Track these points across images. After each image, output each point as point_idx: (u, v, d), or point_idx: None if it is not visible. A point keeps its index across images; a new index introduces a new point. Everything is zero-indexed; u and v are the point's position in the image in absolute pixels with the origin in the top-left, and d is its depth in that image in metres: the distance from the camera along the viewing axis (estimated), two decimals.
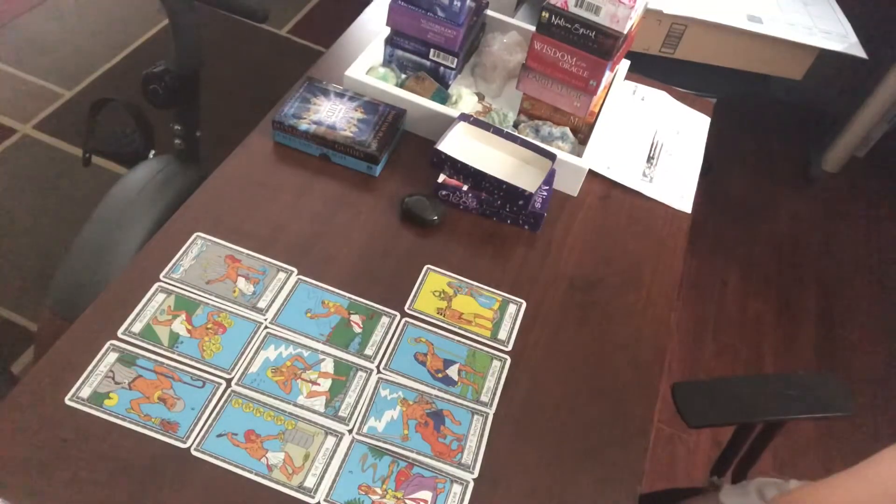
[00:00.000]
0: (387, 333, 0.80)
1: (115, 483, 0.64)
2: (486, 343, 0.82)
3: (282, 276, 0.82)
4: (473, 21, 1.07)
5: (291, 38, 2.53)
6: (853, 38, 1.66)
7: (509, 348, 0.82)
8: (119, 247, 1.14)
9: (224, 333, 0.76)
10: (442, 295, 0.84)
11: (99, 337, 0.73)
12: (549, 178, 0.96)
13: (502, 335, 0.83)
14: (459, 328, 0.82)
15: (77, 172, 1.93)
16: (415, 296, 0.84)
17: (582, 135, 1.04)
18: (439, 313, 0.83)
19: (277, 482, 0.67)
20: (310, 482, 0.67)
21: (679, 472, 1.71)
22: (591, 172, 1.00)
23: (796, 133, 2.67)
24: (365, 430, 0.72)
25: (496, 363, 0.80)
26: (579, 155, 0.99)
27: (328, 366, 0.76)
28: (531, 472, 0.72)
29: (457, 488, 0.70)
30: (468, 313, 0.84)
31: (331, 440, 0.70)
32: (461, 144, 0.96)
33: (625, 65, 1.13)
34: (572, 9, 0.91)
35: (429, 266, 0.87)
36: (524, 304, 0.86)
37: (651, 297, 0.91)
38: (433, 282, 0.85)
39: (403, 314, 0.82)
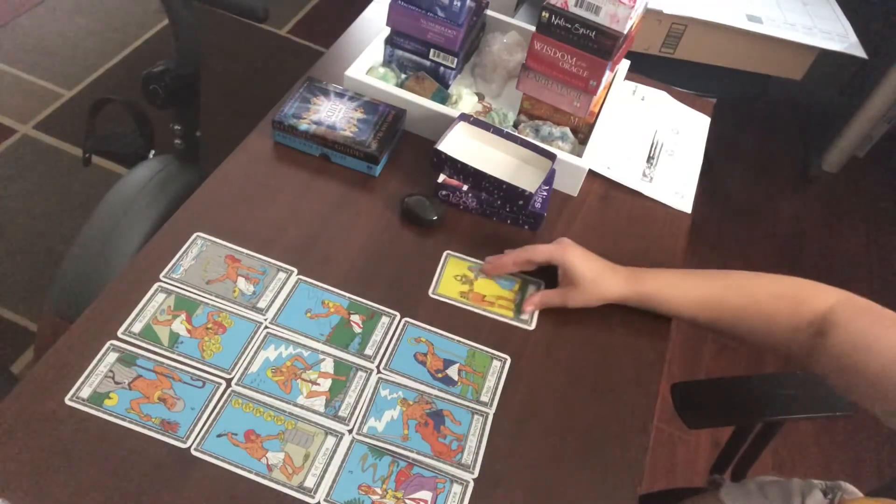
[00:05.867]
0: (387, 333, 0.80)
1: (114, 483, 0.64)
2: (508, 323, 0.84)
3: (282, 275, 0.82)
4: (473, 21, 1.07)
5: (291, 38, 2.53)
6: (853, 38, 1.66)
7: (532, 327, 0.84)
8: (119, 247, 1.14)
9: (224, 333, 0.76)
10: (463, 279, 0.87)
11: (99, 337, 0.73)
12: (549, 178, 0.96)
13: (525, 316, 0.85)
14: (483, 310, 0.84)
15: (77, 172, 1.93)
16: (437, 282, 0.85)
17: (582, 135, 1.04)
18: (462, 296, 0.85)
19: (277, 482, 0.67)
20: (310, 482, 0.67)
21: (679, 472, 1.71)
22: (591, 172, 1.00)
23: (796, 133, 2.67)
24: (365, 430, 0.72)
25: (496, 363, 0.80)
26: (579, 155, 0.99)
27: (328, 366, 0.76)
28: (531, 471, 0.72)
29: (457, 488, 0.70)
30: (490, 295, 0.86)
31: (331, 440, 0.70)
32: (461, 144, 0.96)
33: (625, 65, 1.13)
34: (572, 9, 0.91)
35: (448, 252, 0.89)
36: (543, 284, 0.88)
37: None
38: (454, 267, 0.88)
39: (405, 313, 0.82)
